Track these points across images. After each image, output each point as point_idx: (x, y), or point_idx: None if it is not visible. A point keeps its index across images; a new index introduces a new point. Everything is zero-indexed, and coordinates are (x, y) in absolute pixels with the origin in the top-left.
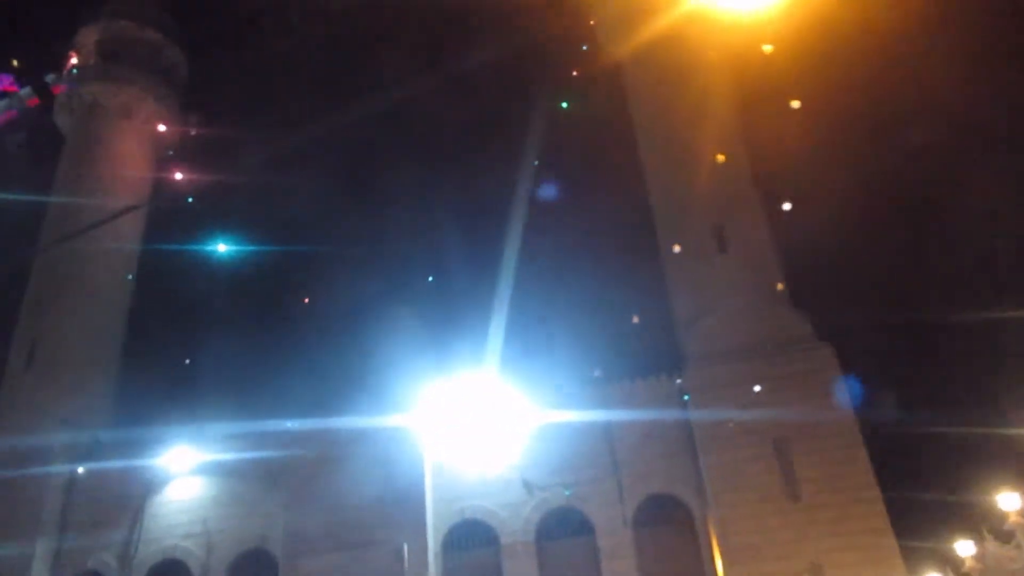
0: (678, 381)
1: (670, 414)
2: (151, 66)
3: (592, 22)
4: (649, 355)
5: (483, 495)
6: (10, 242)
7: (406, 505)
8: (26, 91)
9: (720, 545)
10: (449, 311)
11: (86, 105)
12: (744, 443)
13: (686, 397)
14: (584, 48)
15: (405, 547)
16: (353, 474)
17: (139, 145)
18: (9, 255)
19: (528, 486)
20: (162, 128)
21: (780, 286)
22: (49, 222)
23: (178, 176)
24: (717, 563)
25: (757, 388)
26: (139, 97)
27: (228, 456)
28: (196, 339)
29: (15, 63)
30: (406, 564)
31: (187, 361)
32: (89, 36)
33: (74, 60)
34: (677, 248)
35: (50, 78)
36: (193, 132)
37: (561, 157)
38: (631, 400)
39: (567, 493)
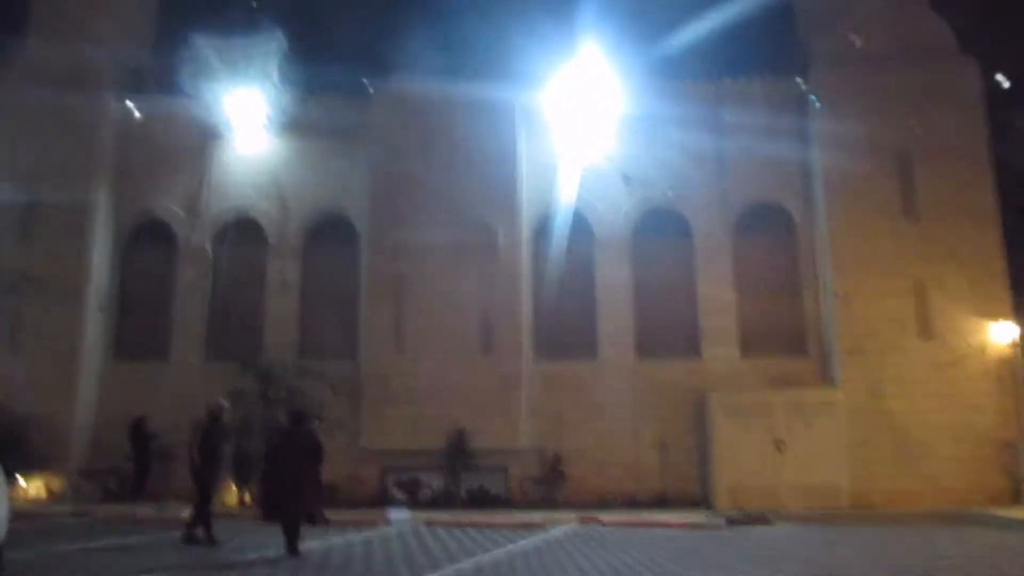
0: (799, 81)
1: (788, 118)
2: None
3: None
4: (766, 52)
5: (579, 186)
6: None
7: (499, 188)
8: None
9: (831, 255)
10: None
11: None
12: (866, 155)
13: (813, 98)
14: None
15: (500, 230)
16: (443, 145)
17: None
18: None
19: (628, 180)
20: None
21: None
22: None
23: None
24: (817, 273)
25: (888, 97)
26: None
27: (305, 112)
28: None
29: None
30: (500, 247)
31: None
32: None
33: None
34: None
35: None
36: None
37: None
38: (746, 99)
39: (670, 193)
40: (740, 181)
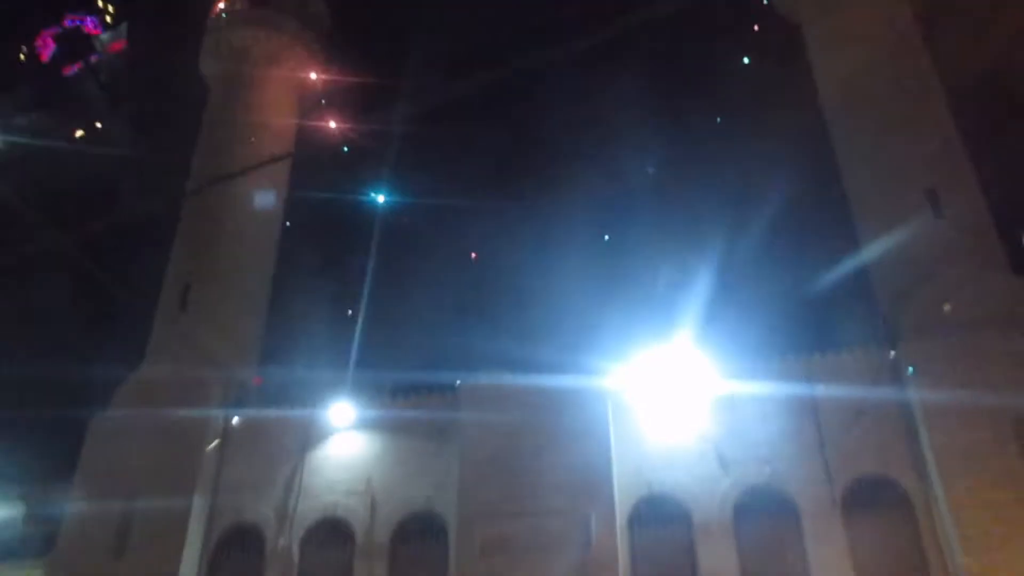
0: (892, 353)
1: (884, 390)
2: (298, 13)
3: None
4: (851, 325)
5: (673, 468)
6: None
7: (590, 473)
8: (107, 35)
9: (957, 536)
10: (636, 271)
11: (234, 51)
12: (978, 423)
13: (911, 370)
14: (764, 2)
15: (592, 518)
16: (532, 437)
17: (287, 93)
18: (141, 199)
19: (723, 460)
20: (313, 76)
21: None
22: (196, 167)
23: (332, 124)
24: (942, 552)
25: (990, 362)
26: (288, 45)
27: (395, 412)
28: (354, 289)
29: (106, 6)
30: (593, 537)
31: (348, 312)
32: None
33: (221, 5)
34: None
35: (105, 36)
36: (342, 80)
37: (742, 116)
38: (838, 373)
39: (768, 470)
40: (843, 455)
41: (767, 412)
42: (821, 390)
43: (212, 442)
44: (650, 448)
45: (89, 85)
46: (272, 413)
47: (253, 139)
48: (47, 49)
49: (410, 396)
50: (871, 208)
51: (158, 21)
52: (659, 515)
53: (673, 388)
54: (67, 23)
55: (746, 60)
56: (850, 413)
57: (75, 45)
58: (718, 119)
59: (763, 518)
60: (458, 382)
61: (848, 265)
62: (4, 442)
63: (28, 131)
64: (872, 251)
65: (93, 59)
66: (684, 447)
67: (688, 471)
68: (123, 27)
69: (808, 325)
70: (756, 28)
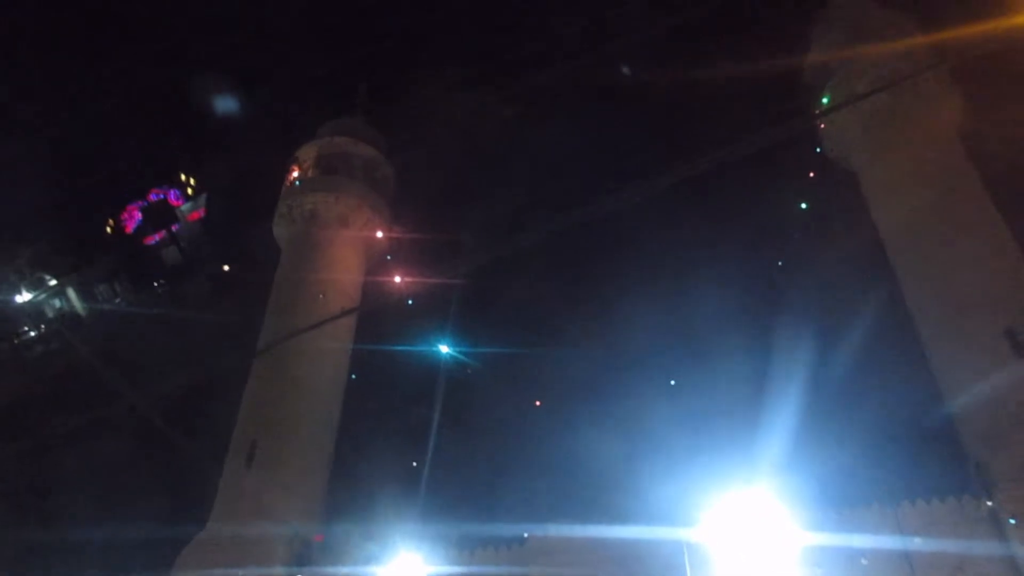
0: (988, 503)
1: (983, 543)
2: (365, 178)
3: (822, 125)
4: (937, 472)
5: None
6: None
7: None
8: (188, 206)
9: None
10: (709, 416)
11: (306, 214)
12: None
13: (1012, 522)
14: (817, 150)
15: None
16: None
17: (354, 251)
18: (214, 361)
19: None
20: (379, 235)
21: None
22: (267, 325)
23: (397, 279)
24: None
25: None
26: (355, 206)
27: (463, 568)
28: (419, 441)
29: (188, 179)
30: None
31: (413, 464)
32: (310, 152)
33: (295, 174)
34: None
35: (186, 207)
36: (406, 237)
37: (803, 258)
38: (932, 524)
39: None
40: None
41: (856, 566)
42: (915, 542)
43: None
44: None
45: (170, 253)
46: (336, 570)
47: (322, 295)
48: (132, 221)
49: (476, 550)
50: (948, 350)
51: (236, 193)
52: None
53: (755, 539)
54: (151, 196)
55: (803, 205)
56: (948, 567)
57: (159, 216)
58: (779, 262)
59: None
60: (525, 534)
61: (930, 410)
62: None
63: (109, 297)
64: (954, 395)
65: (174, 228)
66: None
67: None
68: (202, 198)
69: (892, 472)
70: (812, 174)
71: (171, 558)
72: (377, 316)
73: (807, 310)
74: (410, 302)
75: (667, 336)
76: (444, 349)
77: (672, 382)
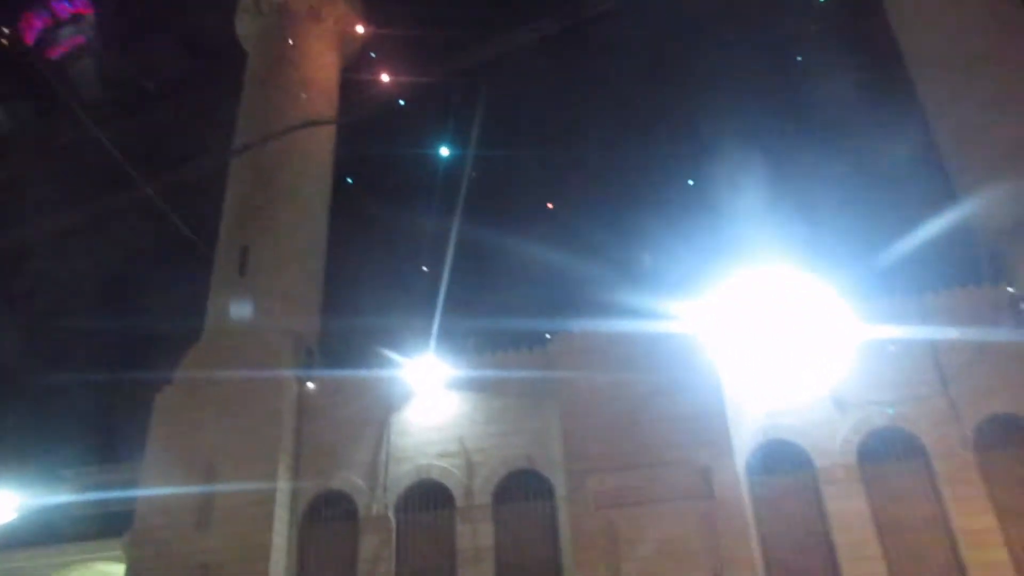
0: (1010, 289)
1: (1006, 327)
2: None
3: None
4: (955, 261)
5: (788, 412)
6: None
7: (702, 422)
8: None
9: None
10: (731, 210)
11: (275, 6)
12: None
13: None
14: None
15: (713, 469)
16: (635, 383)
17: (328, 48)
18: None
19: (841, 403)
20: (360, 29)
21: None
22: (242, 127)
23: (384, 78)
24: None
25: None
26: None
27: (484, 370)
28: (426, 243)
29: None
30: (715, 486)
31: (424, 268)
32: None
33: None
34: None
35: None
36: (389, 33)
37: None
38: (955, 312)
39: (890, 411)
40: (969, 395)
41: (883, 353)
42: (939, 327)
43: (289, 406)
44: (765, 393)
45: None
46: (351, 373)
47: (304, 95)
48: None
49: (496, 350)
50: (967, 148)
51: None
52: (779, 461)
53: (786, 331)
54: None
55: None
56: (971, 352)
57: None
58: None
59: (890, 461)
60: (547, 335)
61: (946, 205)
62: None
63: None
64: (971, 192)
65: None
66: (800, 391)
67: (803, 415)
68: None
69: (908, 266)
70: None
71: (167, 369)
72: (367, 120)
73: (827, 107)
74: (401, 103)
75: (686, 130)
76: (444, 151)
77: (690, 182)
